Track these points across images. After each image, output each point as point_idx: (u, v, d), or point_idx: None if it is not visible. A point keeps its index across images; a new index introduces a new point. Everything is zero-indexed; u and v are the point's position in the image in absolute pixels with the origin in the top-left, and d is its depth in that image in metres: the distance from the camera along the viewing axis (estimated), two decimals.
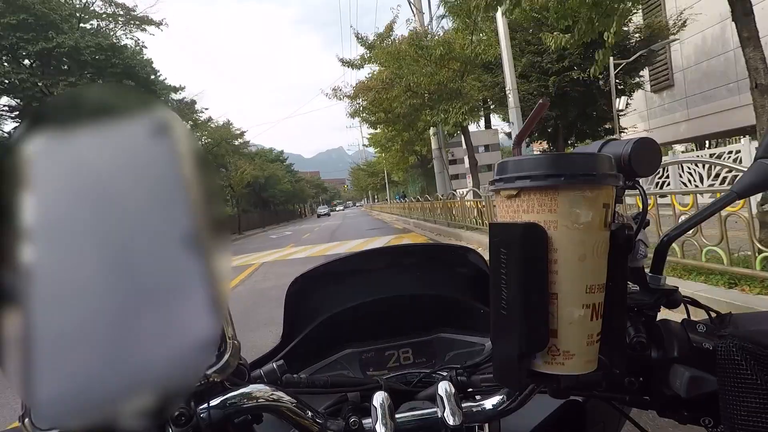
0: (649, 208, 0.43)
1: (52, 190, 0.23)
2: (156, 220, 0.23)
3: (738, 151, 9.30)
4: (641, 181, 0.42)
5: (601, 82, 12.85)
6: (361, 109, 17.55)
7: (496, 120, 24.94)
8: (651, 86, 16.32)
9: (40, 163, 0.23)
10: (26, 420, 0.35)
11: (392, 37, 13.74)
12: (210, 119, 28.55)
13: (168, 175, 0.24)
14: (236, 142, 32.71)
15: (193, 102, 26.86)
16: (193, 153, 0.25)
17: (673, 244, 3.30)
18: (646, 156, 0.40)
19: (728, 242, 3.18)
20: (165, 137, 0.24)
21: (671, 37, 13.06)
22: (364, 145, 38.41)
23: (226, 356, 0.28)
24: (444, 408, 0.47)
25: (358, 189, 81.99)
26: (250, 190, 37.35)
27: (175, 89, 23.67)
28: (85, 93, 0.24)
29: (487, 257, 0.39)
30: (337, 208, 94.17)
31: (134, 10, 19.17)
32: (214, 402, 0.41)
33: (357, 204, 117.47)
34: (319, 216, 55.64)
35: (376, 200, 70.66)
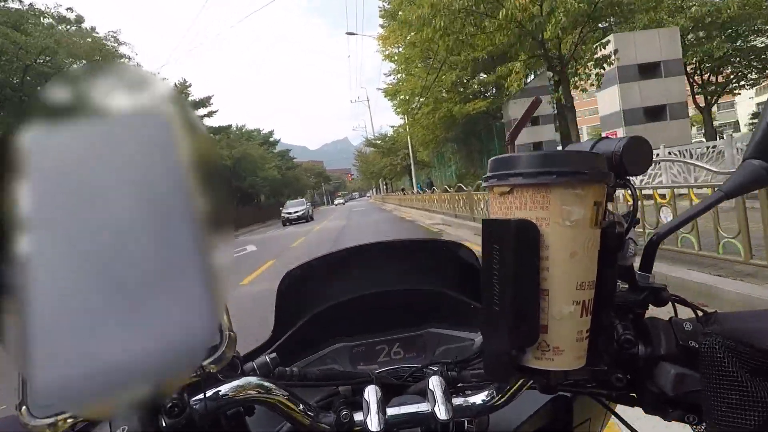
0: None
1: (48, 179, 0.23)
2: (153, 209, 0.23)
3: None
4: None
5: None
6: None
7: None
8: None
9: (36, 151, 0.23)
10: (23, 408, 0.35)
11: None
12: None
13: (166, 163, 0.24)
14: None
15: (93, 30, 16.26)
16: (196, 140, 0.25)
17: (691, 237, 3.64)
18: (638, 154, 0.40)
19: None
20: (162, 124, 0.24)
21: None
22: (381, 89, 24.05)
23: (223, 347, 0.29)
24: (434, 402, 0.47)
25: (366, 177, 66.54)
26: None
27: None
28: (80, 76, 0.24)
29: None
30: (336, 202, 65.81)
31: None
32: (207, 394, 0.41)
33: (367, 195, 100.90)
34: (287, 223, 25.90)
35: (388, 190, 52.84)
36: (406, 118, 24.27)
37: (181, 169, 0.24)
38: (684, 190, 4.41)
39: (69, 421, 0.31)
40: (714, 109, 22.47)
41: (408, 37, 15.78)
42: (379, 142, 40.47)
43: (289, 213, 26.70)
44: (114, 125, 0.24)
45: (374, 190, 78.51)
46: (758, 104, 27.66)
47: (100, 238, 0.23)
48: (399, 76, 20.14)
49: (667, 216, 4.00)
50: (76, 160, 0.23)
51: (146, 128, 0.24)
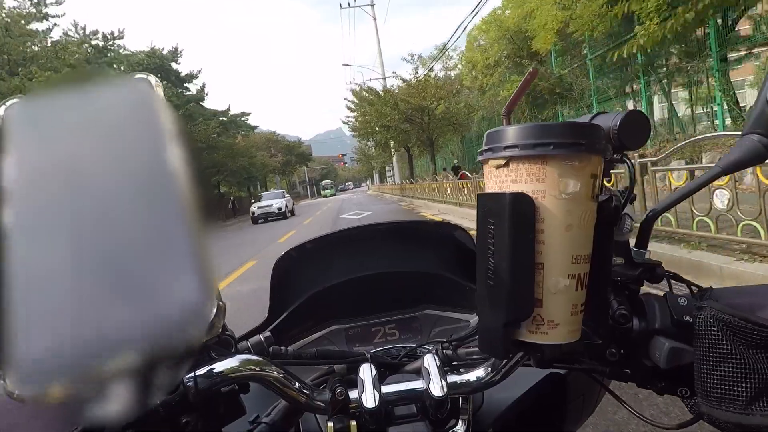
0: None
1: (32, 150, 0.23)
2: (139, 176, 0.23)
3: None
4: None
5: None
6: None
7: None
8: None
9: (17, 122, 0.23)
10: (8, 377, 0.35)
11: None
12: None
13: (149, 129, 0.24)
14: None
15: None
16: (174, 117, 0.25)
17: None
18: (635, 129, 0.40)
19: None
20: (144, 89, 0.24)
21: None
22: None
23: (211, 317, 0.28)
24: (429, 380, 0.48)
25: (364, 157, 44.27)
26: None
27: None
28: (67, 72, 0.25)
29: None
30: (255, 210, 19.86)
31: None
32: (200, 371, 0.41)
33: (363, 185, 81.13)
34: (258, 220, 18.27)
35: (412, 173, 25.15)
36: None
37: (164, 136, 0.23)
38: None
39: (57, 392, 0.30)
40: None
41: None
42: None
43: (261, 207, 19.85)
44: (96, 93, 0.24)
45: (375, 176, 54.41)
46: None
47: (85, 208, 0.22)
48: None
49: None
50: (60, 129, 0.23)
51: (129, 94, 0.24)
